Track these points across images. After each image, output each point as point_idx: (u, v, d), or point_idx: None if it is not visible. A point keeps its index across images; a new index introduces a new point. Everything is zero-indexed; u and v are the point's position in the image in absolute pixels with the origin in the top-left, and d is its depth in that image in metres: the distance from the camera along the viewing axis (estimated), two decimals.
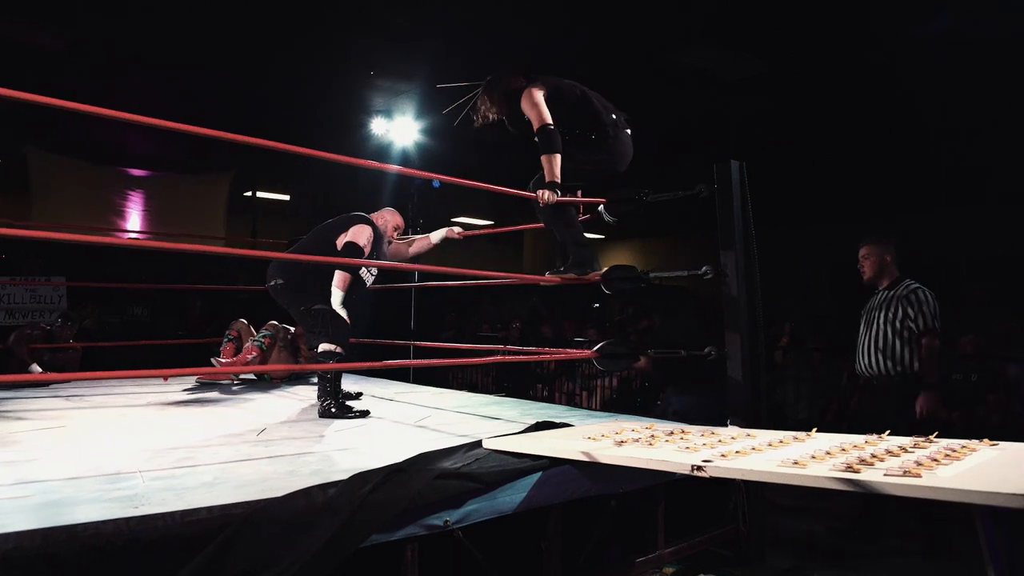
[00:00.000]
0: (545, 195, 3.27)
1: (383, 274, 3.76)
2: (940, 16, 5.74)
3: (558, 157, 3.28)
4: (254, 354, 4.77)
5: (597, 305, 4.55)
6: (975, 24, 5.82)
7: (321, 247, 3.77)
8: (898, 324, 3.77)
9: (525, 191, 3.49)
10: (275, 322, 4.97)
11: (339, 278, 3.62)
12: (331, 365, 3.44)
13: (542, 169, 3.35)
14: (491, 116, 3.53)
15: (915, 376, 3.73)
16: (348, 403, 3.66)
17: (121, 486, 1.96)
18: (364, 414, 3.51)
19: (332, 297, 3.59)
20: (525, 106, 3.36)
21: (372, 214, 4.03)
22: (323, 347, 3.55)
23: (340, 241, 3.72)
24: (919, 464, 1.78)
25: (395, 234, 4.12)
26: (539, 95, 3.32)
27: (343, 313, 3.60)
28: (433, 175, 3.41)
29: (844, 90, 7.57)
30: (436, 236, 4.22)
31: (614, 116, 3.47)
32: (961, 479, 1.65)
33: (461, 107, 3.59)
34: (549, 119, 3.28)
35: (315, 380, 5.14)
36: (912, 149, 9.16)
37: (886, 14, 5.89)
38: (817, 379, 6.74)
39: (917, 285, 3.83)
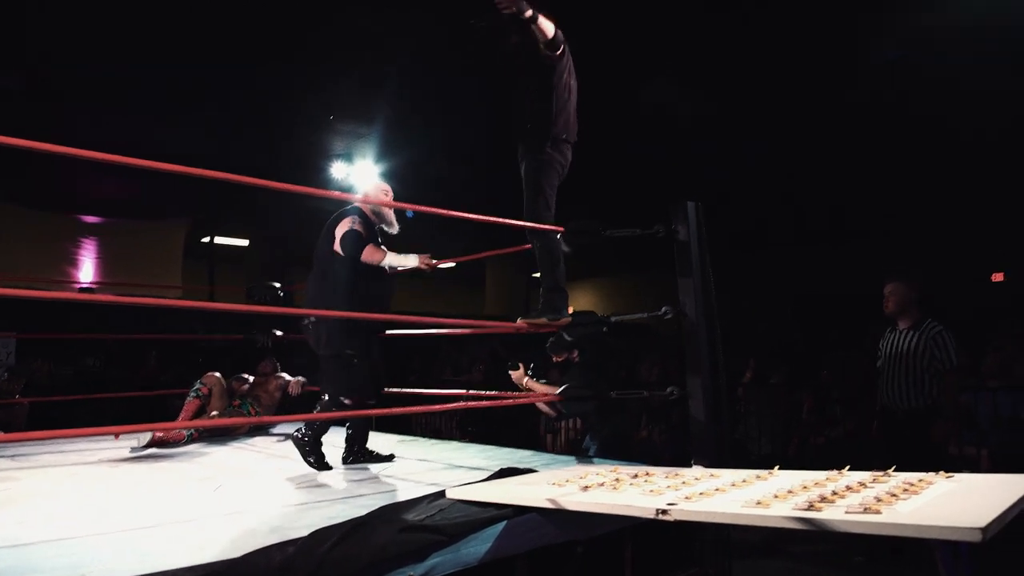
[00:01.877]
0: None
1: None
2: (890, 50, 6.06)
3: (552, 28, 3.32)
4: (196, 406, 4.65)
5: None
6: (923, 56, 6.15)
7: (326, 267, 3.59)
8: (926, 363, 4.21)
9: (493, 219, 3.41)
10: (214, 373, 4.84)
11: (368, 254, 3.46)
12: (280, 417, 3.35)
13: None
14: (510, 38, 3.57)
15: (940, 407, 4.22)
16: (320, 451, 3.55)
17: (67, 551, 1.87)
18: (390, 458, 3.66)
19: (386, 261, 3.48)
20: (545, 25, 3.36)
21: (356, 200, 3.83)
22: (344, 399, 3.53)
23: (336, 247, 3.54)
24: (879, 500, 1.80)
25: (388, 196, 3.88)
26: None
27: (398, 261, 3.50)
28: (407, 205, 3.34)
29: (807, 123, 7.84)
30: (410, 262, 3.81)
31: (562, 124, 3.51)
32: (920, 514, 1.67)
33: (482, 23, 3.62)
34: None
35: (275, 431, 5.02)
36: (872, 178, 9.45)
37: (837, 50, 6.17)
38: (779, 413, 6.81)
39: (940, 327, 4.25)
